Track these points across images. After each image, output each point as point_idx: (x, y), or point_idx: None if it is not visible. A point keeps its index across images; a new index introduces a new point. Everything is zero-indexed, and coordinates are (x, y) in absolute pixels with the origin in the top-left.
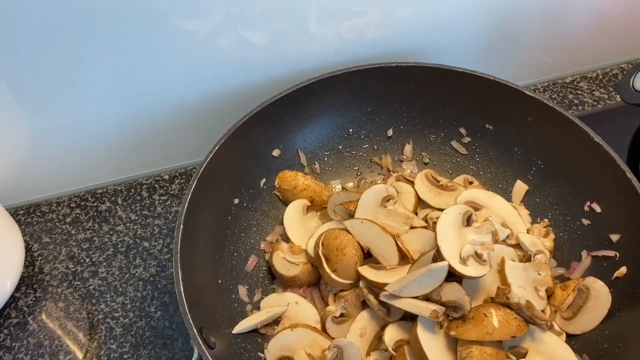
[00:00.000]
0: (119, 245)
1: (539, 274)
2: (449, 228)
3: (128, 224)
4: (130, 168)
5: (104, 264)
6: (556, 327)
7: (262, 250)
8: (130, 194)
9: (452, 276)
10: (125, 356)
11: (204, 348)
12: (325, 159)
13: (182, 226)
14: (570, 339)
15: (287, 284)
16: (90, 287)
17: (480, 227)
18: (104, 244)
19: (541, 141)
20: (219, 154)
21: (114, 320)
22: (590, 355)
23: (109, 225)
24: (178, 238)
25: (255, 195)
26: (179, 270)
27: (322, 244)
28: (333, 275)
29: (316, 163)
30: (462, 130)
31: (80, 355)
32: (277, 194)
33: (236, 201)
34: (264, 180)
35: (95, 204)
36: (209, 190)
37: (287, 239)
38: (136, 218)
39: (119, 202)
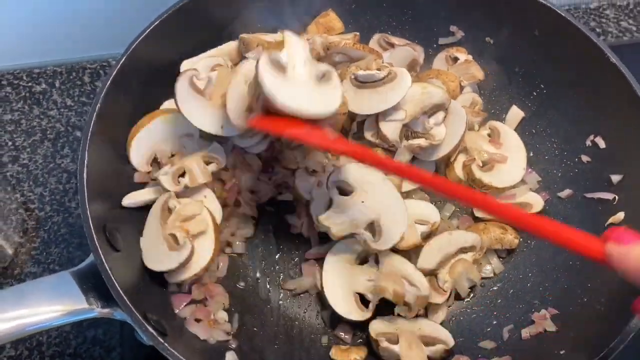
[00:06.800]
0: (48, 132)
1: None
2: None
3: (62, 110)
4: (74, 48)
5: (28, 149)
6: None
7: None
8: (71, 77)
9: None
10: (33, 252)
11: (99, 252)
12: None
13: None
14: None
15: None
16: (8, 174)
17: None
18: (31, 128)
19: (547, 61)
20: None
21: (28, 212)
22: None
23: (40, 109)
24: (92, 115)
25: None
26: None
27: None
28: None
29: None
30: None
31: None
32: None
33: None
34: None
35: (30, 84)
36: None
37: None
38: (72, 104)
39: (57, 85)
